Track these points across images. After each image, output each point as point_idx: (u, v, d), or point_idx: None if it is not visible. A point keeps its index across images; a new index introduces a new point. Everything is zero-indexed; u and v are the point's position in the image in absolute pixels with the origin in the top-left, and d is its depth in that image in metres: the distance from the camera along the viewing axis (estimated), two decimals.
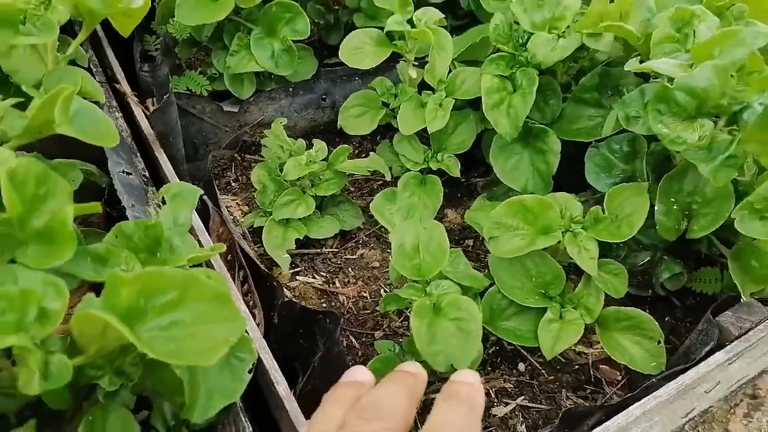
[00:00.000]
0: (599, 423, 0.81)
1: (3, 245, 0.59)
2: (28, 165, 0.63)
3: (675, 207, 0.92)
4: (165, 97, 1.08)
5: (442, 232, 0.88)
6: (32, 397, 0.63)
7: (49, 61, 0.87)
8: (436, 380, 0.97)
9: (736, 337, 0.95)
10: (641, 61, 0.89)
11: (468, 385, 0.50)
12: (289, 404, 0.78)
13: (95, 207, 0.68)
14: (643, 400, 0.84)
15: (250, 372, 0.69)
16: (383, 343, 0.96)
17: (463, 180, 1.36)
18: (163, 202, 0.86)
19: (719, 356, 0.92)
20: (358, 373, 0.54)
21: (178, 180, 1.09)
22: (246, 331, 0.81)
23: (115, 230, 0.75)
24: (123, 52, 1.29)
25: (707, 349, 0.93)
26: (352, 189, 1.35)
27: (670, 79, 0.84)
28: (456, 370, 0.84)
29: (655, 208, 0.92)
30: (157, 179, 1.11)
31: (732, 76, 0.78)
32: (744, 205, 0.84)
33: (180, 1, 1.17)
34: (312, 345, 0.94)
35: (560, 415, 0.81)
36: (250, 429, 0.71)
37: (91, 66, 1.21)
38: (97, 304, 0.57)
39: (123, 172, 0.97)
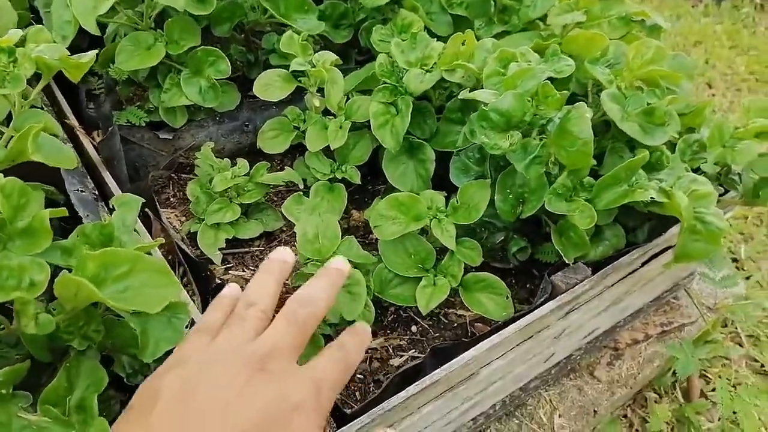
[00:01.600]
0: None
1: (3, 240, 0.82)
2: (12, 182, 0.86)
3: (510, 196, 1.23)
4: (110, 129, 1.31)
5: (335, 221, 1.16)
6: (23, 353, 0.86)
7: (17, 105, 1.10)
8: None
9: (564, 291, 1.26)
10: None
11: (335, 270, 0.76)
12: None
13: (63, 212, 0.92)
14: (491, 337, 1.13)
15: (186, 328, 0.94)
16: None
17: (369, 187, 1.65)
18: (113, 209, 1.09)
19: (551, 304, 1.23)
20: (286, 255, 0.79)
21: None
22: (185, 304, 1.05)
23: (78, 231, 0.98)
24: (69, 92, 1.51)
25: (542, 300, 1.23)
26: (275, 198, 1.61)
27: None
28: (348, 322, 1.12)
29: (495, 197, 1.23)
30: (105, 196, 1.34)
31: (529, 100, 1.10)
32: (551, 190, 1.16)
33: (119, 49, 1.41)
34: None
35: (428, 349, 1.09)
36: None
37: (43, 105, 1.43)
38: (66, 275, 0.80)
39: (77, 190, 1.20)
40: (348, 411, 0.99)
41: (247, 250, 1.46)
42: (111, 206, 1.09)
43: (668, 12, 4.48)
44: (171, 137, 1.52)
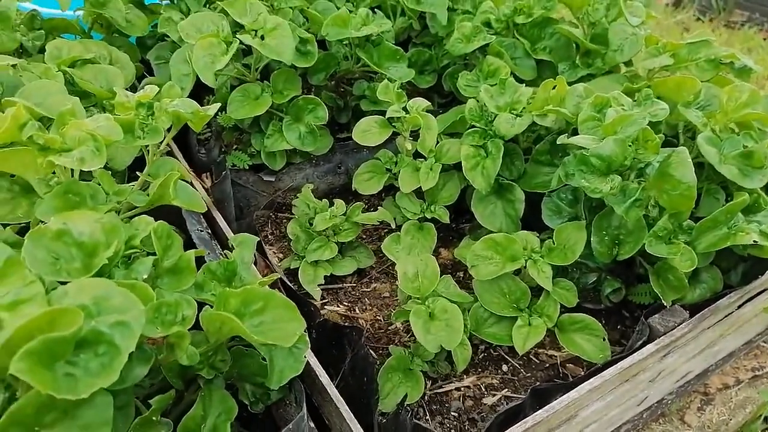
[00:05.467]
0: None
1: (153, 277, 0.92)
2: (162, 225, 0.97)
3: (606, 238, 1.25)
4: (223, 173, 1.43)
5: (434, 262, 1.21)
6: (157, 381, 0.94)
7: (151, 153, 1.22)
8: (448, 377, 1.28)
9: (662, 334, 1.25)
10: (569, 135, 1.24)
11: None
12: (330, 390, 1.09)
13: (202, 252, 1.01)
14: (591, 379, 1.14)
15: (305, 358, 1.00)
16: (396, 348, 1.26)
17: (453, 225, 1.70)
18: (232, 248, 1.19)
19: (650, 347, 1.22)
20: None
21: (233, 234, 1.42)
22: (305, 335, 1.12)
23: (204, 269, 1.07)
24: (177, 138, 1.65)
25: (640, 343, 1.23)
26: (365, 236, 1.68)
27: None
28: (444, 350, 1.16)
29: (591, 239, 1.25)
30: (216, 234, 1.45)
31: (630, 144, 1.13)
32: (651, 233, 1.17)
33: (230, 99, 1.55)
34: (342, 353, 1.25)
35: (529, 390, 1.11)
36: (304, 402, 1.01)
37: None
38: (213, 311, 0.89)
39: (197, 230, 1.31)
40: None
41: (340, 286, 1.53)
42: (230, 245, 1.19)
43: (739, 45, 4.38)
44: (273, 179, 1.63)
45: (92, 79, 1.48)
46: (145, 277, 0.88)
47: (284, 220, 1.69)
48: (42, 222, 0.93)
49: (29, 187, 1.23)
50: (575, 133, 1.34)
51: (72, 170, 1.05)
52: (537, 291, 1.32)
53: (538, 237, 1.31)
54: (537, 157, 1.49)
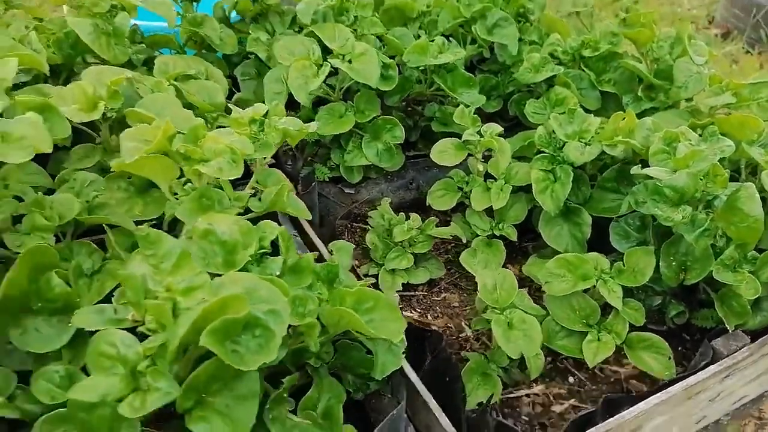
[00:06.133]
0: None
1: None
2: (284, 229, 1.09)
3: (674, 263, 1.34)
4: (312, 184, 1.55)
5: (512, 276, 1.31)
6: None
7: (258, 164, 1.35)
8: (518, 384, 1.37)
9: (726, 356, 1.33)
10: (642, 167, 1.34)
11: None
12: (419, 386, 1.19)
13: (314, 255, 1.13)
14: (658, 393, 1.23)
15: (403, 354, 1.11)
16: (472, 354, 1.36)
17: (517, 244, 1.80)
18: (331, 253, 1.31)
19: (713, 368, 1.31)
20: None
21: (319, 241, 1.54)
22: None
23: (310, 269, 1.19)
24: None
25: (703, 363, 1.31)
26: (433, 250, 1.79)
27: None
28: (517, 359, 1.25)
29: (660, 264, 1.34)
30: (304, 241, 1.57)
31: (701, 178, 1.22)
32: (718, 261, 1.26)
33: (318, 117, 1.68)
34: (422, 356, 1.35)
35: (602, 400, 1.19)
36: (405, 394, 1.11)
37: None
38: (335, 307, 1.00)
39: (293, 235, 1.43)
40: None
41: (413, 293, 1.64)
42: (329, 250, 1.31)
43: None
44: (353, 191, 1.76)
45: (196, 93, 1.62)
46: (278, 273, 1.00)
47: (359, 230, 1.81)
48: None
49: (143, 188, 1.38)
50: (644, 163, 1.44)
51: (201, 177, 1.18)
52: (605, 309, 1.41)
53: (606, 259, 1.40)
54: (603, 183, 1.59)
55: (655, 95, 1.82)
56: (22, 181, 1.28)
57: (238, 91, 2.01)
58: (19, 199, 1.19)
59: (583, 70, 1.90)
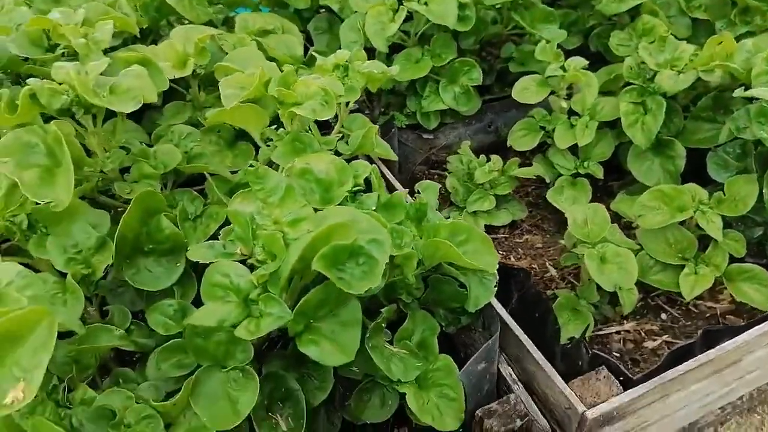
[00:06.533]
0: None
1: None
2: (375, 168, 1.11)
3: None
4: (392, 130, 1.57)
5: (603, 209, 1.28)
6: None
7: (341, 109, 1.38)
8: (608, 321, 1.36)
9: None
10: (745, 89, 1.25)
11: None
12: (508, 320, 1.20)
13: (404, 193, 1.15)
14: (762, 324, 1.18)
15: (495, 287, 1.12)
16: (562, 291, 1.36)
17: (600, 183, 1.75)
18: (417, 193, 1.32)
19: None
20: None
21: (399, 184, 1.56)
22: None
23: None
24: None
25: None
26: (514, 192, 1.77)
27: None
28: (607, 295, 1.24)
29: (763, 192, 1.26)
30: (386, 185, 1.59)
31: None
32: None
33: (395, 63, 1.68)
34: (508, 294, 1.35)
35: (701, 332, 1.16)
36: (499, 326, 1.13)
37: None
38: (431, 239, 1.02)
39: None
40: (633, 377, 1.11)
41: (494, 236, 1.64)
42: (416, 190, 1.33)
43: None
44: (431, 137, 1.76)
45: (275, 47, 1.66)
46: (373, 208, 1.03)
47: (436, 176, 1.82)
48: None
49: (231, 141, 1.44)
50: (744, 88, 1.35)
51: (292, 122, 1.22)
52: (701, 242, 1.36)
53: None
54: (698, 113, 1.51)
55: (750, 18, 1.68)
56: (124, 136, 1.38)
57: (311, 45, 2.03)
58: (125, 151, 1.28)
59: None
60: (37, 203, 1.02)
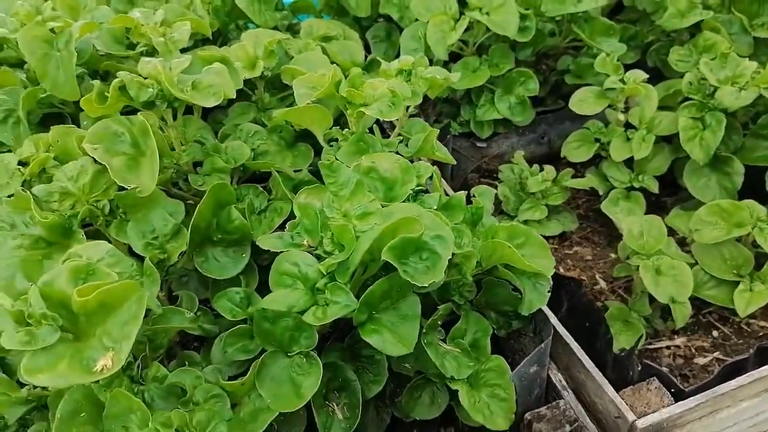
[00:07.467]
0: None
1: None
2: (436, 170, 1.15)
3: None
4: (447, 136, 1.61)
5: (660, 221, 1.29)
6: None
7: (402, 115, 1.42)
8: (659, 335, 1.36)
9: None
10: None
11: None
12: (560, 329, 1.21)
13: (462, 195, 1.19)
14: None
15: (548, 293, 1.14)
16: (613, 303, 1.37)
17: (653, 198, 1.74)
18: (473, 197, 1.35)
19: None
20: None
21: (451, 191, 1.60)
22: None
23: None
24: None
25: None
26: (565, 203, 1.78)
27: None
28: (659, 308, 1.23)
29: None
30: None
31: None
32: None
33: (453, 71, 1.72)
34: (558, 303, 1.37)
35: (755, 348, 1.15)
36: (551, 331, 1.15)
37: None
38: (490, 240, 1.05)
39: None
40: (686, 390, 1.11)
41: None
42: (472, 194, 1.36)
43: None
44: (484, 145, 1.79)
45: (338, 53, 1.73)
46: (435, 208, 1.07)
47: (487, 185, 1.84)
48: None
49: (291, 143, 1.50)
50: None
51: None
52: (758, 260, 1.34)
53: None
54: (757, 130, 1.50)
55: None
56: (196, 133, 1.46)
57: (369, 53, 2.10)
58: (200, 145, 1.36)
59: (734, 14, 1.76)
60: (120, 189, 1.10)
